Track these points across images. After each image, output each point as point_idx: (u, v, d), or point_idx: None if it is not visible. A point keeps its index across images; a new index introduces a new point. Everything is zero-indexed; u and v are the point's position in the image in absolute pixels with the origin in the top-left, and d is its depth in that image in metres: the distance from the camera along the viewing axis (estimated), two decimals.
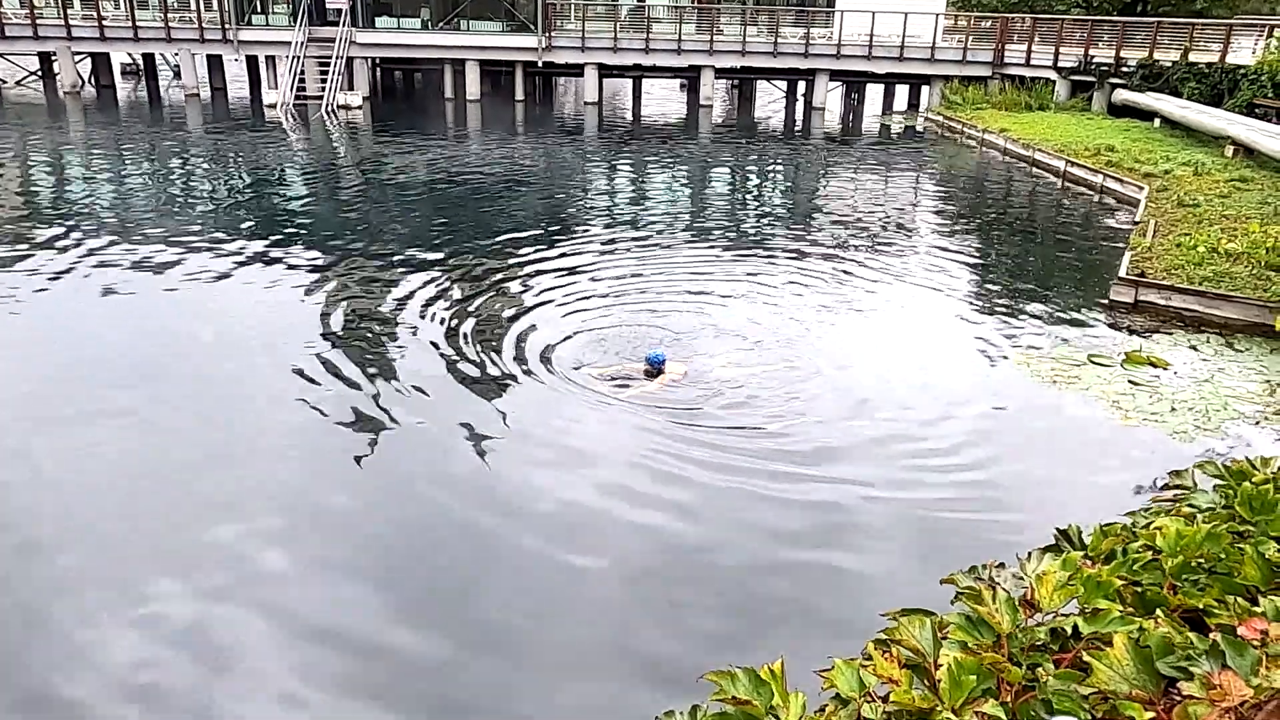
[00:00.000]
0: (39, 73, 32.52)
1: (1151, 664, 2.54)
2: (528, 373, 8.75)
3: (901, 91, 34.82)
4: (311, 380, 8.50)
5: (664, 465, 7.05)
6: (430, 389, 8.36)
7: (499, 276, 11.97)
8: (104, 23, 29.57)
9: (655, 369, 8.59)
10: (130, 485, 6.78)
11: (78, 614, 5.32)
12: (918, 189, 20.53)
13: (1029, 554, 3.36)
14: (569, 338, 9.68)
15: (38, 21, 29.12)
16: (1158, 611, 2.89)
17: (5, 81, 32.02)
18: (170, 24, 29.77)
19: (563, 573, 5.81)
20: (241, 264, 12.29)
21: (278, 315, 10.34)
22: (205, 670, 4.92)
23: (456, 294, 11.16)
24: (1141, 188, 16.88)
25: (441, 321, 10.10)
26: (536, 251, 13.26)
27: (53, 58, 30.77)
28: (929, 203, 18.98)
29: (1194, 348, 9.78)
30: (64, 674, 4.87)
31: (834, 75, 31.85)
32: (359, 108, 29.11)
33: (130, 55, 35.30)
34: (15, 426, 7.62)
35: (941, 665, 2.56)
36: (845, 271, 12.73)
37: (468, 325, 10.02)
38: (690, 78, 33.81)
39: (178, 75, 33.53)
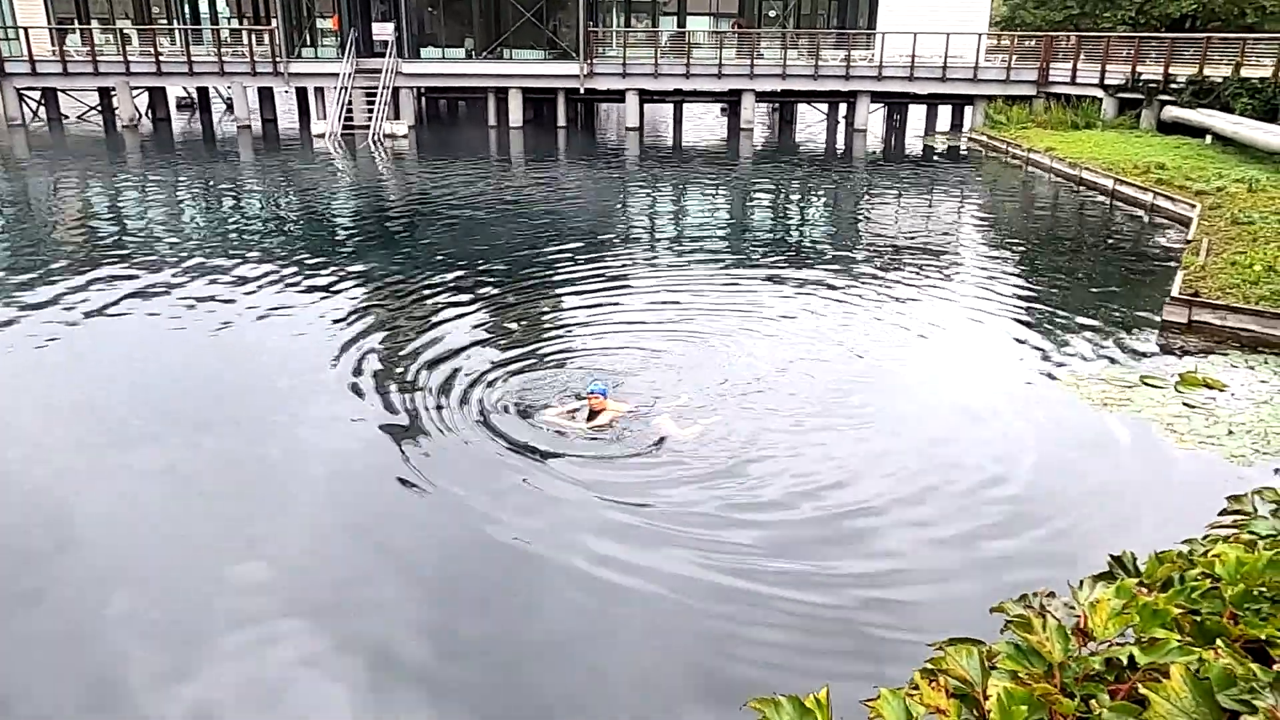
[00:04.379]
0: (99, 107, 33.62)
1: (1212, 697, 2.45)
2: (554, 407, 8.64)
3: (944, 112, 34.59)
4: (349, 414, 8.53)
5: (694, 499, 6.96)
6: (466, 425, 8.25)
7: (538, 306, 12.07)
8: (160, 58, 30.52)
9: (596, 401, 7.99)
10: (165, 514, 6.89)
11: (108, 646, 5.39)
12: (961, 210, 20.33)
13: (1081, 581, 3.27)
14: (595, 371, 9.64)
15: (98, 59, 30.16)
16: (1218, 641, 2.79)
17: (67, 116, 33.15)
18: (223, 59, 30.65)
19: (598, 609, 5.72)
20: (288, 292, 12.53)
21: (319, 342, 10.47)
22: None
23: (496, 324, 11.27)
24: (1193, 205, 16.53)
25: (482, 354, 10.06)
26: (578, 281, 13.34)
27: (112, 93, 31.82)
28: (973, 223, 18.78)
29: (1251, 369, 9.52)
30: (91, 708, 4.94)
31: (876, 97, 31.75)
32: (404, 136, 29.65)
33: (185, 89, 36.37)
34: (56, 450, 7.81)
35: (991, 695, 2.50)
36: (890, 293, 12.61)
37: (504, 357, 10.07)
38: (731, 102, 33.93)
39: (230, 108, 34.46)
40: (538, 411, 8.36)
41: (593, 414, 8.00)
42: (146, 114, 33.39)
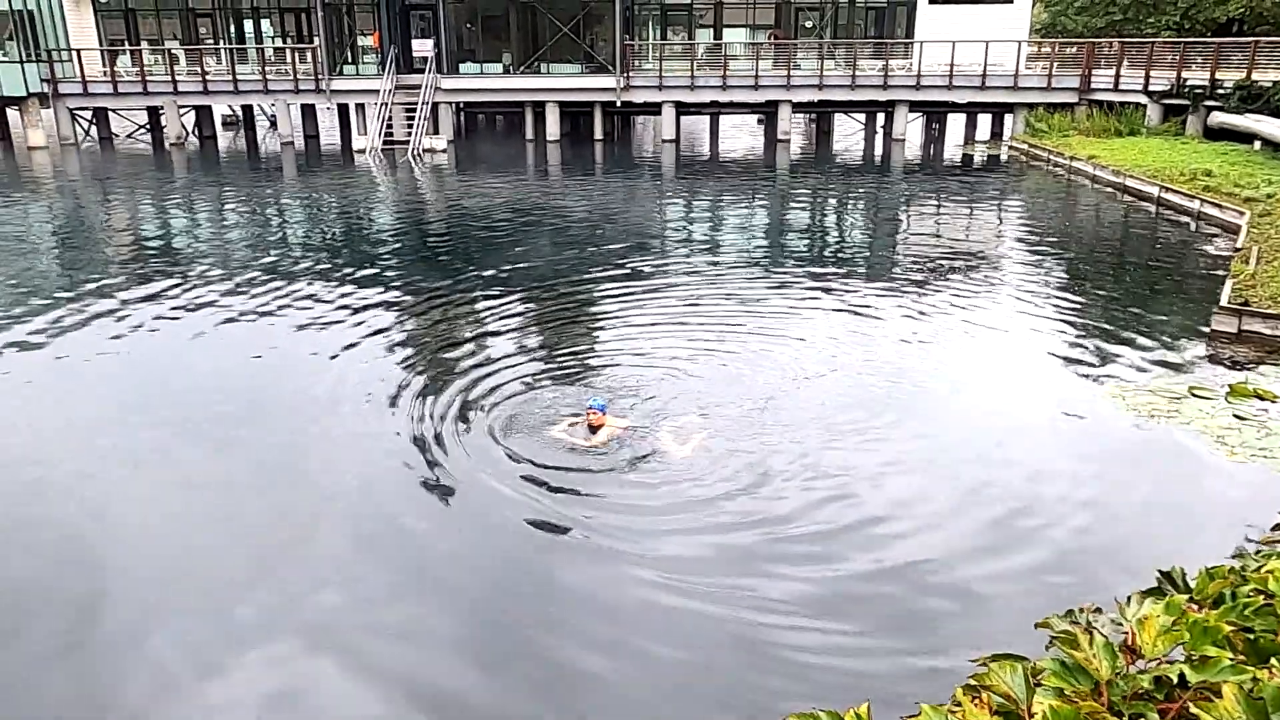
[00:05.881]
0: (147, 126, 34.45)
1: (1267, 717, 2.38)
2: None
3: (984, 120, 34.28)
4: (381, 428, 8.57)
5: (731, 513, 6.92)
6: (490, 440, 8.21)
7: (572, 320, 12.13)
8: (207, 78, 31.24)
9: (595, 417, 7.97)
10: (205, 526, 6.98)
11: (142, 659, 5.46)
12: (1003, 219, 20.08)
13: (1129, 597, 3.20)
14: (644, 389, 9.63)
15: (147, 79, 30.95)
16: (1272, 661, 2.71)
17: (117, 135, 34.01)
18: (268, 77, 31.27)
19: (624, 626, 5.67)
20: (326, 304, 12.69)
21: (355, 354, 10.58)
22: None
23: (529, 338, 11.35)
24: (1242, 213, 16.18)
25: (511, 368, 10.05)
26: (614, 295, 13.36)
27: (160, 112, 32.60)
28: (1015, 233, 18.54)
29: None
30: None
31: (914, 106, 31.54)
32: (443, 151, 30.00)
33: (230, 107, 37.15)
34: (95, 462, 7.97)
35: (1036, 713, 2.45)
36: (932, 303, 12.48)
37: (532, 371, 10.11)
38: (767, 113, 33.89)
39: (274, 125, 35.12)
40: (549, 427, 8.33)
41: (593, 430, 8.01)
42: (193, 132, 34.15)
